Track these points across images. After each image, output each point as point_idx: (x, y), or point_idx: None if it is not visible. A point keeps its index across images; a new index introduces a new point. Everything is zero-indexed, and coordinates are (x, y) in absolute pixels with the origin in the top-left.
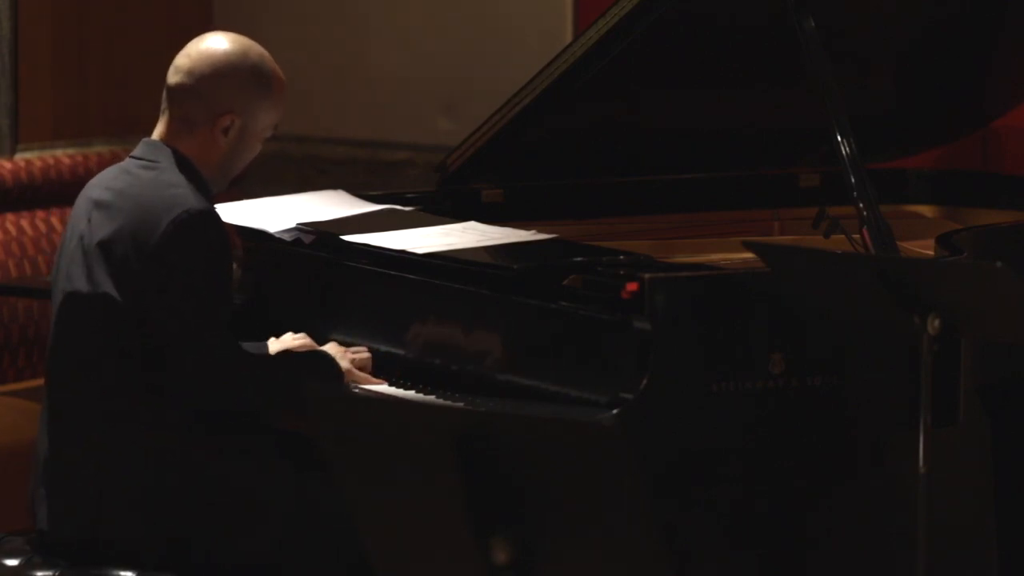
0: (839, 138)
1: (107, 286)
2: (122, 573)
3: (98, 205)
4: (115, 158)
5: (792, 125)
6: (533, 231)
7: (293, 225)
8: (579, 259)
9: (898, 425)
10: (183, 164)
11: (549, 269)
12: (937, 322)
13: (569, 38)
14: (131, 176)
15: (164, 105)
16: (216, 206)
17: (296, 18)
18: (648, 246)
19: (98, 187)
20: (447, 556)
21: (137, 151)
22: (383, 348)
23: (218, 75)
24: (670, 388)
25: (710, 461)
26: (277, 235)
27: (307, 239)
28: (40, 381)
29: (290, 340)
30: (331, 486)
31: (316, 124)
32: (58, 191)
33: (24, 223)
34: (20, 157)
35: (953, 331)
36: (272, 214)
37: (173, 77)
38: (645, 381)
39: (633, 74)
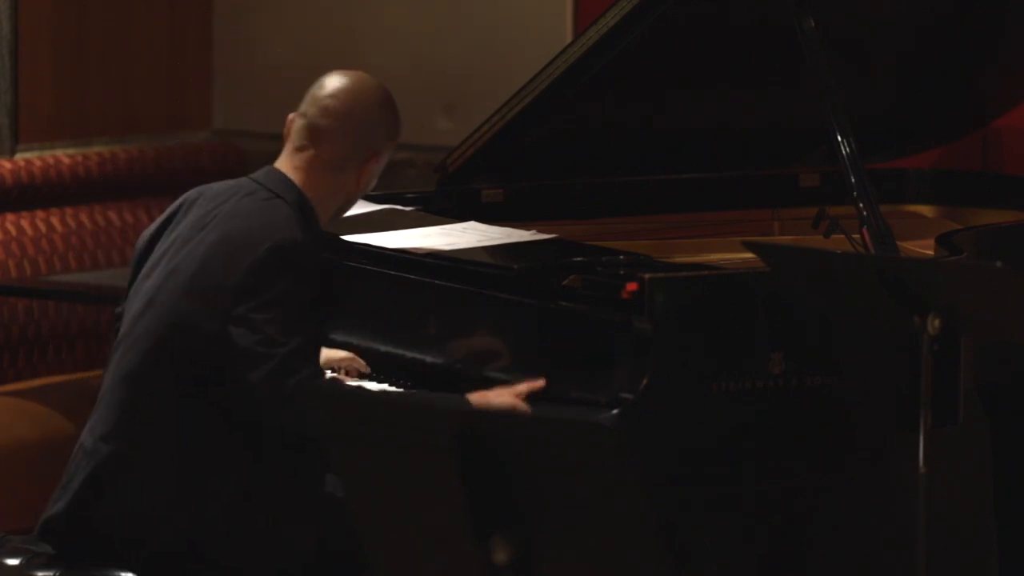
0: (839, 138)
1: (194, 303)
2: (122, 574)
3: (204, 219)
4: (115, 158)
5: (792, 125)
6: (533, 231)
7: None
8: (579, 259)
9: (898, 425)
10: (302, 203)
11: (549, 269)
12: (937, 322)
13: (569, 38)
14: (244, 201)
15: (303, 143)
16: None
17: (295, 18)
18: (648, 246)
19: (211, 201)
20: (447, 555)
21: (259, 176)
22: (383, 348)
23: (372, 118)
24: (670, 388)
25: (710, 461)
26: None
27: None
28: (40, 381)
29: (336, 357)
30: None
31: None
32: (58, 191)
33: (24, 223)
34: (20, 157)
35: (953, 331)
36: None
37: (322, 119)
38: (645, 381)
39: (633, 74)
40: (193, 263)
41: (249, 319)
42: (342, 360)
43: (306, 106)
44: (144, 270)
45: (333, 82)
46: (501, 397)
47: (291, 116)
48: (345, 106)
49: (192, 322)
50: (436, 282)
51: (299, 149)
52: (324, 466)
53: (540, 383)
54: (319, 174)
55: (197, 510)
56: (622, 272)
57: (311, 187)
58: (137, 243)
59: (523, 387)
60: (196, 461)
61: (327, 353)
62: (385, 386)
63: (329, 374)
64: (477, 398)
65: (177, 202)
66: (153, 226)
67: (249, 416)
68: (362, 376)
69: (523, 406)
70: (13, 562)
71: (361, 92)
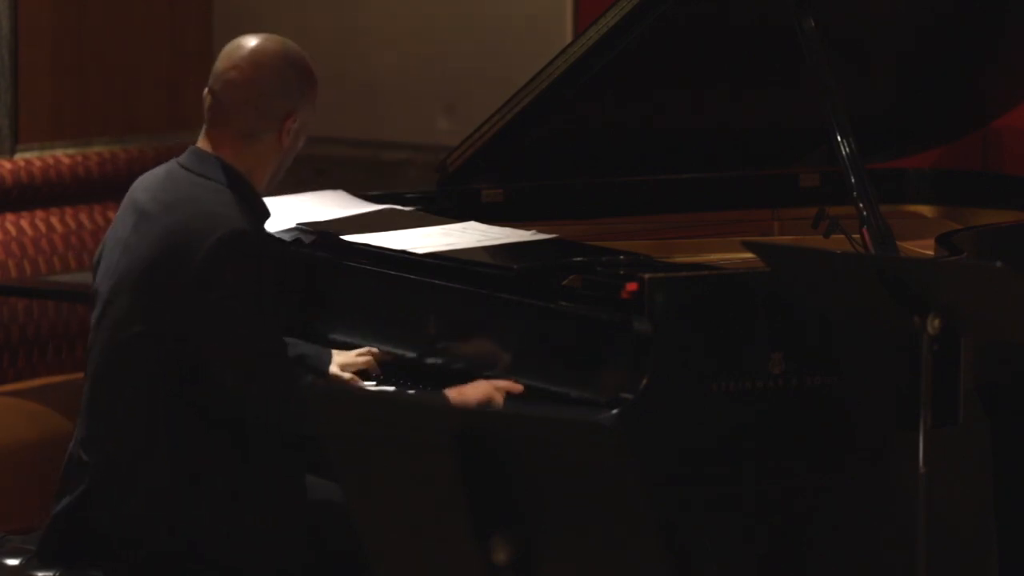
0: (839, 138)
1: (149, 299)
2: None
3: (145, 216)
4: (115, 158)
5: (792, 125)
6: (533, 231)
7: (293, 225)
8: (579, 259)
9: (898, 425)
10: (234, 180)
11: (549, 269)
12: (937, 322)
13: (569, 38)
14: (180, 189)
15: (214, 119)
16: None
17: (296, 18)
18: (648, 246)
19: (146, 193)
20: (447, 556)
21: (186, 160)
22: (383, 348)
23: (276, 81)
24: (670, 388)
25: (710, 461)
26: (277, 235)
27: (307, 239)
28: (40, 381)
29: (354, 356)
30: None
31: (316, 124)
32: (58, 191)
33: (24, 223)
34: (20, 157)
35: (953, 331)
36: (272, 214)
37: (226, 93)
38: (645, 381)
39: (633, 74)
40: (142, 265)
41: (211, 318)
42: (365, 363)
43: (212, 81)
44: (99, 276)
45: (233, 52)
46: (477, 390)
47: (205, 92)
48: (246, 75)
49: (150, 325)
50: (436, 282)
51: (212, 126)
52: (307, 465)
53: (518, 387)
54: (238, 148)
55: (187, 511)
56: (622, 272)
57: (236, 162)
58: (96, 252)
59: (503, 383)
60: (180, 462)
61: (343, 355)
62: (385, 386)
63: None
64: (455, 394)
65: (121, 205)
66: (106, 234)
67: (229, 414)
68: (364, 376)
69: (499, 398)
70: (13, 562)
71: (260, 58)
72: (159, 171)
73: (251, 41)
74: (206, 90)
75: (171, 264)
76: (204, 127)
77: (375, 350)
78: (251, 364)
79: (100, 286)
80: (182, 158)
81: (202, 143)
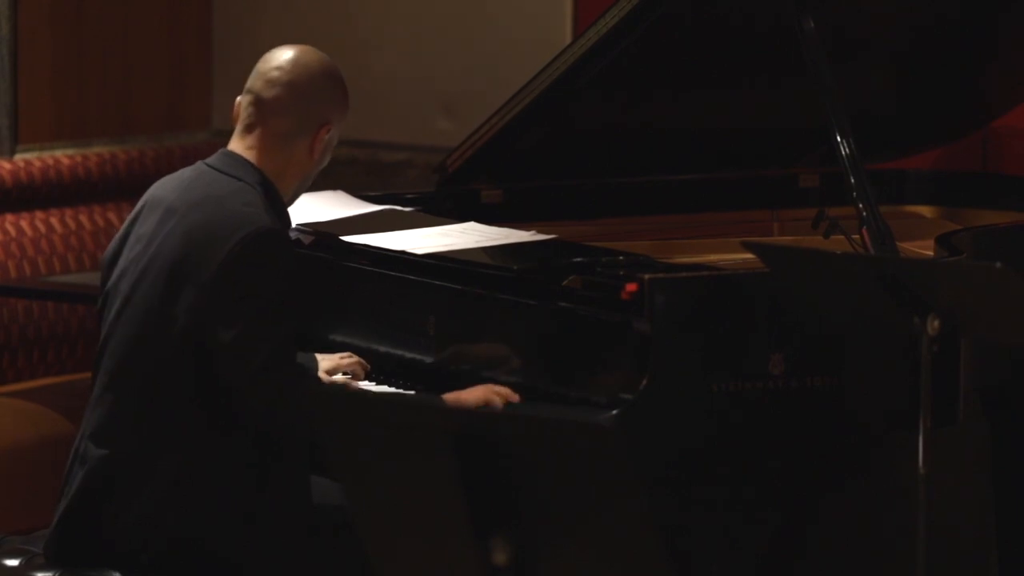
0: (839, 138)
1: (171, 295)
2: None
3: (170, 212)
4: (115, 158)
5: (792, 125)
6: (533, 231)
7: (293, 225)
8: (579, 259)
9: (898, 425)
10: (263, 182)
11: (549, 269)
12: (937, 322)
13: (569, 38)
14: (208, 188)
15: (251, 119)
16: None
17: (296, 18)
18: (648, 246)
19: (172, 192)
20: (447, 556)
21: (216, 161)
22: (383, 348)
23: (318, 87)
24: (670, 388)
25: (710, 461)
26: None
27: (307, 239)
28: (40, 381)
29: (337, 359)
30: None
31: None
32: (58, 191)
33: (24, 223)
34: (20, 157)
35: (953, 331)
36: None
37: (268, 91)
38: (645, 381)
39: (633, 75)
40: (166, 260)
41: (228, 315)
42: (349, 365)
43: (252, 82)
44: (117, 271)
45: (277, 55)
46: (474, 394)
47: (238, 99)
48: (290, 76)
49: (170, 320)
50: (436, 282)
51: (249, 127)
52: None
53: (515, 397)
54: (272, 150)
55: (192, 508)
56: (622, 273)
57: (266, 165)
58: (108, 248)
59: (502, 389)
60: (187, 459)
61: (328, 359)
62: (385, 387)
63: (339, 377)
64: (452, 397)
65: (139, 203)
66: (120, 231)
67: (238, 413)
68: (365, 375)
69: (497, 401)
70: (13, 563)
71: (305, 62)
72: (185, 172)
73: (292, 49)
74: (239, 97)
75: (195, 260)
76: (237, 130)
77: (357, 358)
78: (262, 364)
79: (119, 282)
80: (211, 159)
81: (233, 146)
